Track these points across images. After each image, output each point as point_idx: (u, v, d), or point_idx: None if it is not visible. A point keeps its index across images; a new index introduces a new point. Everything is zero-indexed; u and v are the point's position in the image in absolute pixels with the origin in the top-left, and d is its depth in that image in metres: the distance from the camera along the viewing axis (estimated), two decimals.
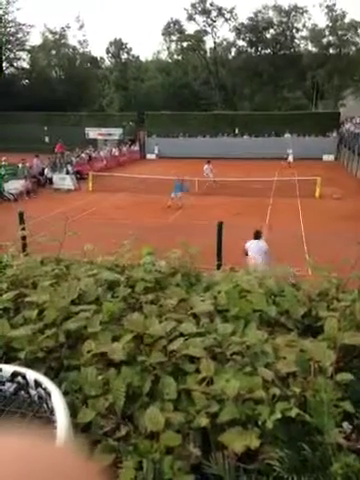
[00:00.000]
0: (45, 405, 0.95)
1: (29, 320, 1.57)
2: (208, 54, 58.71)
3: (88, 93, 57.12)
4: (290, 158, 32.13)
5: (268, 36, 56.15)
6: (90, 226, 14.02)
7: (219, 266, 4.47)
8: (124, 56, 62.61)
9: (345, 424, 1.13)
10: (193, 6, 55.22)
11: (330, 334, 1.42)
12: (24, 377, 1.00)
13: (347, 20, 51.99)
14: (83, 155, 30.55)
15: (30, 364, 1.36)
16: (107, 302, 1.67)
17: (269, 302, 1.74)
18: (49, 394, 0.93)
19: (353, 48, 52.57)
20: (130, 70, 60.53)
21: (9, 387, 1.01)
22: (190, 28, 57.31)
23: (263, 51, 56.83)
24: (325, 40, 53.55)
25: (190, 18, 56.32)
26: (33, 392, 0.98)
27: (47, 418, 0.94)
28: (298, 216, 16.45)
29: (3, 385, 1.02)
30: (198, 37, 57.09)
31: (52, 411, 0.90)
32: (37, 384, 0.97)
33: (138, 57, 64.60)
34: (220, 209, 16.57)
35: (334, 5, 52.05)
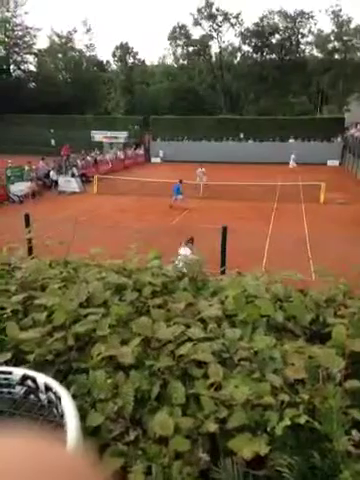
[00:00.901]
0: (55, 409, 0.95)
1: (38, 323, 1.58)
2: (213, 59, 58.91)
3: (94, 96, 57.41)
4: (292, 163, 32.13)
5: (274, 41, 56.26)
6: (95, 229, 14.05)
7: (223, 271, 4.46)
8: (130, 60, 62.95)
9: (354, 432, 1.13)
10: (199, 11, 55.53)
11: (338, 341, 1.42)
12: (34, 381, 1.00)
13: (353, 25, 52.11)
14: (88, 158, 30.69)
15: (39, 367, 1.36)
16: (115, 305, 1.68)
17: (276, 308, 1.74)
18: (59, 398, 0.94)
19: (358, 54, 52.60)
20: (136, 74, 60.83)
21: (19, 390, 1.02)
22: (196, 33, 57.61)
23: (268, 56, 56.92)
24: (330, 45, 53.62)
25: (196, 23, 56.61)
26: (43, 396, 0.99)
27: (57, 422, 0.94)
28: (302, 221, 16.42)
29: (13, 388, 1.02)
30: (204, 42, 57.32)
31: (62, 415, 0.91)
32: (47, 388, 0.97)
33: (144, 61, 64.94)
34: (224, 213, 16.57)
35: (340, 10, 52.19)
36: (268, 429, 1.13)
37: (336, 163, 36.86)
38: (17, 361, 1.42)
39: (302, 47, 57.02)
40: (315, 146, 37.79)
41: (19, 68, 58.19)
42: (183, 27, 57.54)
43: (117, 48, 62.48)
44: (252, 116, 47.27)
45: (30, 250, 3.64)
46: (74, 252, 2.59)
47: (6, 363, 1.37)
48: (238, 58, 60.23)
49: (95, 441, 1.13)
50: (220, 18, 55.84)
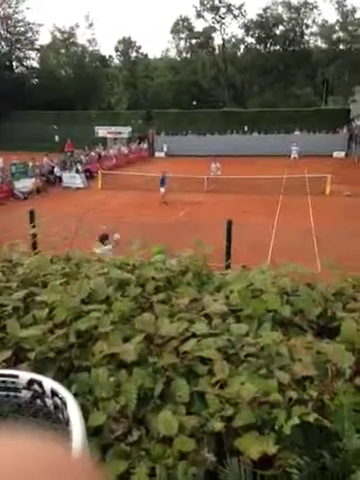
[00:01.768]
0: (61, 415, 0.92)
1: (39, 320, 1.55)
2: (217, 51, 58.40)
3: (97, 92, 57.19)
4: (294, 154, 31.76)
5: (277, 32, 55.62)
6: (100, 224, 14.05)
7: (228, 266, 4.41)
8: (133, 54, 62.63)
9: None
10: (202, 3, 54.92)
11: (348, 335, 1.37)
12: (40, 385, 0.97)
13: (358, 15, 51.35)
14: (92, 153, 30.65)
15: (40, 365, 1.33)
16: (117, 302, 1.64)
17: (283, 302, 1.70)
18: (65, 403, 0.91)
19: None
20: (139, 68, 60.51)
21: (25, 395, 0.99)
22: (199, 25, 57.11)
23: (272, 48, 56.32)
24: (335, 36, 52.90)
25: (199, 15, 56.03)
26: (49, 401, 0.96)
27: (62, 428, 0.92)
28: (308, 214, 16.30)
29: (19, 392, 1.00)
30: (207, 34, 56.81)
31: (68, 422, 0.88)
32: (53, 393, 0.94)
33: (147, 55, 64.57)
34: (229, 206, 16.49)
35: (344, 0, 51.44)
36: (276, 428, 1.09)
37: (342, 154, 36.52)
38: (18, 359, 1.39)
39: (306, 38, 56.35)
40: (320, 137, 37.45)
41: (22, 64, 58.06)
42: (186, 20, 57.01)
43: (120, 42, 62.19)
44: (256, 108, 46.87)
45: (34, 246, 3.62)
46: (78, 248, 2.56)
47: (6, 361, 1.34)
48: (242, 50, 59.65)
49: (98, 441, 1.10)
50: (223, 10, 55.24)
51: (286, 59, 53.44)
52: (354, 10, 51.62)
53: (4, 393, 1.04)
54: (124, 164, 32.22)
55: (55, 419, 0.96)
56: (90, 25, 61.02)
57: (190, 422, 1.12)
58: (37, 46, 57.65)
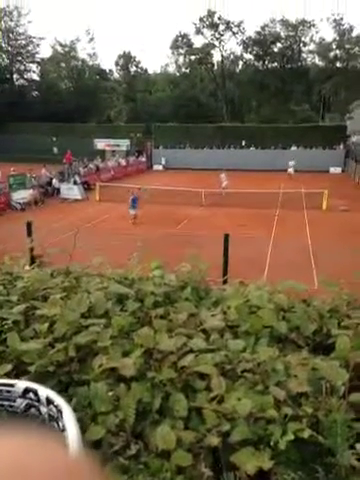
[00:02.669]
0: (56, 424, 0.94)
1: (39, 333, 1.57)
2: (215, 67, 59.24)
3: (96, 105, 57.75)
4: (290, 170, 32.08)
5: (275, 50, 56.59)
6: (97, 236, 14.06)
7: (226, 281, 4.42)
8: (133, 69, 63.44)
9: (358, 446, 1.11)
10: (201, 20, 55.91)
11: (342, 352, 1.40)
12: (36, 393, 0.99)
13: (355, 34, 52.39)
14: (91, 166, 30.81)
15: (40, 378, 1.35)
16: (117, 316, 1.67)
17: (279, 318, 1.73)
18: (60, 412, 0.92)
19: None
20: (138, 82, 61.23)
21: (20, 403, 1.00)
22: (198, 42, 57.94)
23: (270, 65, 57.24)
24: (332, 54, 53.87)
25: (198, 32, 56.98)
26: (44, 410, 0.97)
27: (58, 436, 0.93)
28: (305, 228, 16.40)
29: (14, 401, 1.01)
30: (206, 51, 57.68)
31: (63, 430, 0.89)
32: (49, 401, 0.96)
33: (146, 70, 65.43)
34: (226, 220, 16.58)
35: (341, 19, 52.49)
36: (271, 443, 1.11)
37: (339, 170, 36.92)
38: (18, 372, 1.41)
39: (304, 55, 57.40)
40: (317, 153, 37.87)
41: (22, 77, 58.66)
42: (185, 36, 57.94)
43: (120, 57, 63.02)
44: (254, 124, 47.41)
45: (32, 259, 3.64)
46: (76, 260, 2.59)
47: (7, 375, 1.36)
48: (240, 66, 60.60)
49: (96, 455, 1.11)
50: (222, 27, 56.24)
51: (284, 76, 54.27)
52: (351, 29, 52.68)
53: None
54: (122, 176, 32.40)
55: (50, 428, 0.97)
56: (91, 39, 62.10)
57: (188, 437, 1.14)
58: (38, 59, 58.41)
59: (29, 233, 7.42)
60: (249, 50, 57.20)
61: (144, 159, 41.03)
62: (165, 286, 2.03)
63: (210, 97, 58.19)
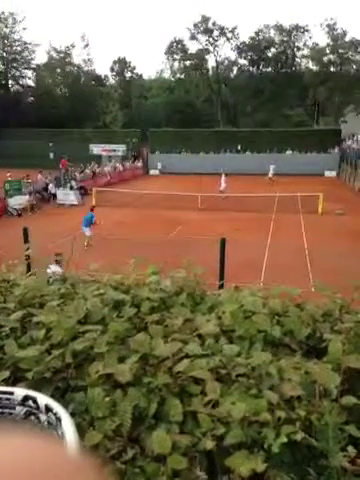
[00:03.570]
0: (55, 431, 0.95)
1: (36, 340, 1.58)
2: (210, 73, 59.63)
3: (92, 110, 57.93)
4: (270, 173, 32.11)
5: (269, 55, 57.09)
6: (94, 242, 14.06)
7: (222, 286, 4.45)
8: (128, 74, 63.75)
9: (350, 448, 1.13)
10: (196, 26, 56.33)
11: (334, 356, 1.43)
12: (35, 401, 1.00)
13: (348, 38, 52.86)
14: (87, 171, 30.85)
15: (37, 385, 1.37)
16: (113, 322, 1.69)
17: (273, 322, 1.75)
18: (59, 419, 0.94)
19: (354, 66, 53.32)
20: (134, 88, 61.53)
21: (20, 411, 1.02)
22: (193, 47, 58.31)
23: (264, 69, 57.72)
24: (326, 58, 54.36)
25: (193, 37, 57.39)
26: (43, 417, 0.99)
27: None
28: (301, 232, 16.48)
29: (14, 409, 1.03)
30: (200, 56, 58.04)
31: (62, 437, 0.91)
32: (48, 409, 0.97)
33: (141, 76, 65.74)
34: (222, 224, 16.63)
35: (335, 24, 53.00)
36: (265, 446, 1.13)
37: (333, 174, 37.15)
38: (16, 379, 1.42)
39: (298, 60, 57.95)
40: (312, 157, 38.11)
41: (17, 83, 58.81)
42: (180, 42, 58.33)
43: (115, 63, 63.34)
44: (249, 128, 47.68)
45: (29, 266, 3.65)
46: (73, 266, 2.61)
47: (4, 381, 1.37)
48: (235, 71, 61.03)
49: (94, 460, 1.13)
50: (216, 32, 56.68)
51: (278, 80, 54.68)
52: (344, 33, 53.17)
53: None
54: (118, 181, 32.47)
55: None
56: (86, 45, 62.27)
57: (183, 441, 1.16)
58: (33, 65, 58.65)
59: (25, 239, 7.43)
60: (243, 55, 57.68)
61: (140, 164, 41.14)
62: (161, 291, 2.05)
63: (205, 102, 58.53)
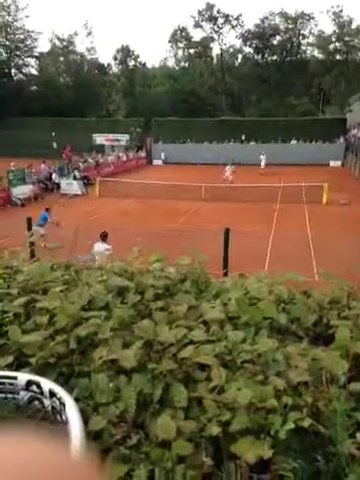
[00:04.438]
0: (59, 416, 0.94)
1: (40, 326, 1.57)
2: (214, 61, 59.00)
3: (95, 99, 57.55)
4: (262, 164, 31.59)
5: (275, 43, 56.34)
6: (97, 231, 14.05)
7: (226, 273, 4.44)
8: (131, 63, 63.16)
9: (359, 435, 1.12)
10: (200, 13, 55.61)
11: (342, 343, 1.41)
12: (39, 386, 0.99)
13: (354, 26, 52.06)
14: (90, 160, 30.75)
15: (41, 370, 1.36)
16: (117, 308, 1.67)
17: (279, 310, 1.73)
18: (63, 404, 0.93)
19: None
20: (137, 77, 60.99)
21: (23, 396, 1.01)
22: (197, 35, 57.70)
23: (270, 58, 57.00)
24: (332, 46, 53.62)
25: (197, 25, 56.72)
26: (47, 402, 0.98)
27: (61, 428, 0.93)
28: (305, 222, 16.40)
29: (17, 394, 1.01)
30: (205, 44, 57.40)
31: (66, 422, 0.90)
32: (51, 394, 0.96)
33: (145, 64, 65.14)
34: (227, 214, 16.56)
35: (341, 11, 52.18)
36: (272, 432, 1.12)
37: (338, 164, 36.85)
38: (19, 364, 1.41)
39: (303, 48, 57.14)
40: (317, 147, 37.78)
41: (20, 71, 58.42)
42: (184, 29, 57.71)
43: (118, 51, 62.72)
44: (253, 118, 47.27)
45: (32, 253, 3.64)
46: (76, 254, 2.59)
47: (8, 366, 1.36)
48: (239, 60, 60.39)
49: (98, 445, 1.12)
50: (221, 20, 55.96)
51: (283, 69, 54.04)
52: (351, 21, 52.34)
53: (2, 395, 1.06)
54: (122, 171, 32.36)
55: (53, 420, 0.98)
56: (89, 33, 61.71)
57: (188, 426, 1.14)
58: (36, 53, 58.18)
59: (29, 228, 7.43)
60: (248, 43, 56.96)
61: (144, 154, 40.94)
62: (165, 279, 2.03)
63: (209, 91, 57.97)
